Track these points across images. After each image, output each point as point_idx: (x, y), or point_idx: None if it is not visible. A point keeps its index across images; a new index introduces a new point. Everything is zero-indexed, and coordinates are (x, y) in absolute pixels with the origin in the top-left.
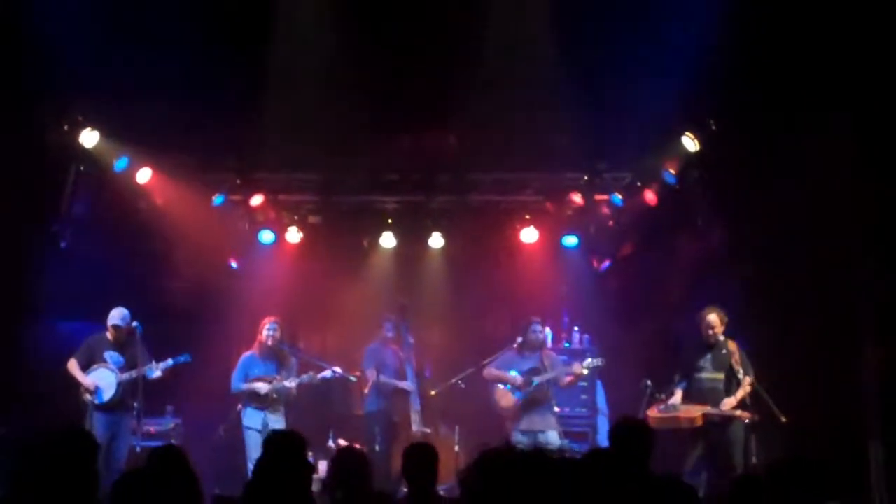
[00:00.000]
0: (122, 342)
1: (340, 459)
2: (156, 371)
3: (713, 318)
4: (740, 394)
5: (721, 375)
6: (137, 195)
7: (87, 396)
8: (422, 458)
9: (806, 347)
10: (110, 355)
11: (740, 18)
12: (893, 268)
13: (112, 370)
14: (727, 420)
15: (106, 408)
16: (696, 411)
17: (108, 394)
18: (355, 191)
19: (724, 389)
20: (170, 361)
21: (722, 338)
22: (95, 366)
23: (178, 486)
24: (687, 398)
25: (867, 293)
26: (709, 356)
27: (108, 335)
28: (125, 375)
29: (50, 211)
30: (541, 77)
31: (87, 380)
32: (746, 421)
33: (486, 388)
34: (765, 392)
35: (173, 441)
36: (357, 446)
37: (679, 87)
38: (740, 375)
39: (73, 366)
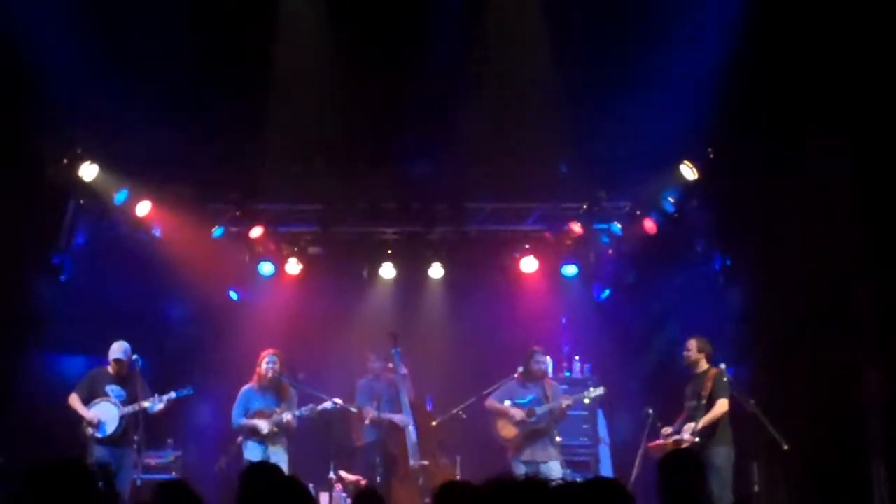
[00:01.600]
0: (124, 376)
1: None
2: (158, 404)
3: (690, 342)
4: (705, 419)
5: (694, 402)
6: (137, 228)
7: (90, 430)
8: None
9: (807, 371)
10: (112, 389)
11: (738, 49)
12: (892, 291)
13: (114, 404)
14: (707, 444)
15: (108, 441)
16: (672, 440)
17: (110, 427)
18: (355, 221)
19: (699, 415)
20: (173, 394)
21: (705, 365)
22: (97, 399)
23: None
24: (681, 427)
25: (867, 316)
26: (690, 383)
27: (110, 369)
28: (127, 409)
29: (50, 244)
30: (541, 106)
31: (89, 413)
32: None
33: (488, 419)
34: (766, 418)
35: (174, 474)
36: (363, 482)
37: (677, 116)
38: (703, 402)
39: (74, 400)
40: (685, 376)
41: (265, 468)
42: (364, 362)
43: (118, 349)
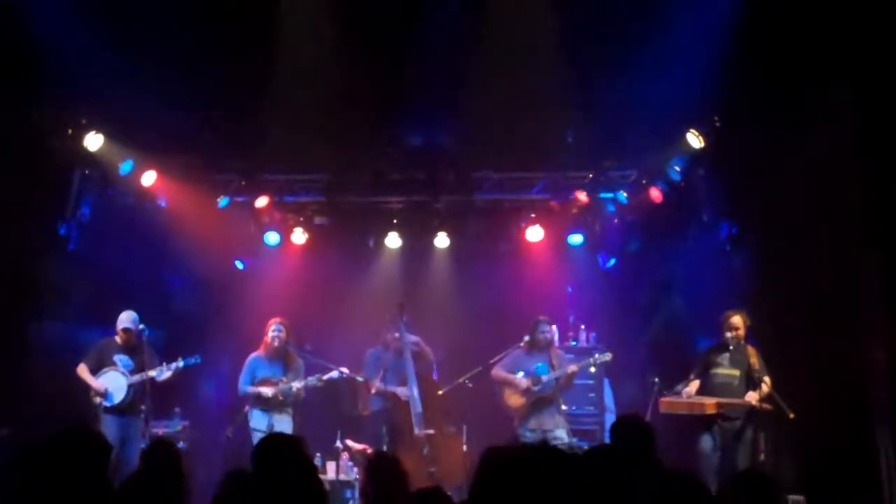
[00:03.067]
0: (132, 345)
1: (374, 467)
2: (166, 372)
3: (737, 319)
4: (763, 389)
5: (737, 372)
6: (143, 198)
7: (98, 399)
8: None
9: (812, 341)
10: (120, 358)
11: (743, 16)
12: None
13: (122, 373)
14: (742, 416)
15: (116, 410)
16: (709, 400)
17: (118, 396)
18: (360, 191)
19: (739, 387)
20: (180, 363)
21: (743, 340)
22: (105, 369)
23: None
24: (701, 392)
25: (873, 285)
26: (727, 354)
27: (118, 338)
28: (135, 378)
29: (56, 214)
30: (545, 75)
31: (97, 383)
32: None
33: (494, 388)
34: (773, 388)
35: (182, 443)
36: (358, 447)
37: (683, 84)
38: (756, 376)
39: (83, 370)
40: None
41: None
42: (376, 332)
43: (126, 318)
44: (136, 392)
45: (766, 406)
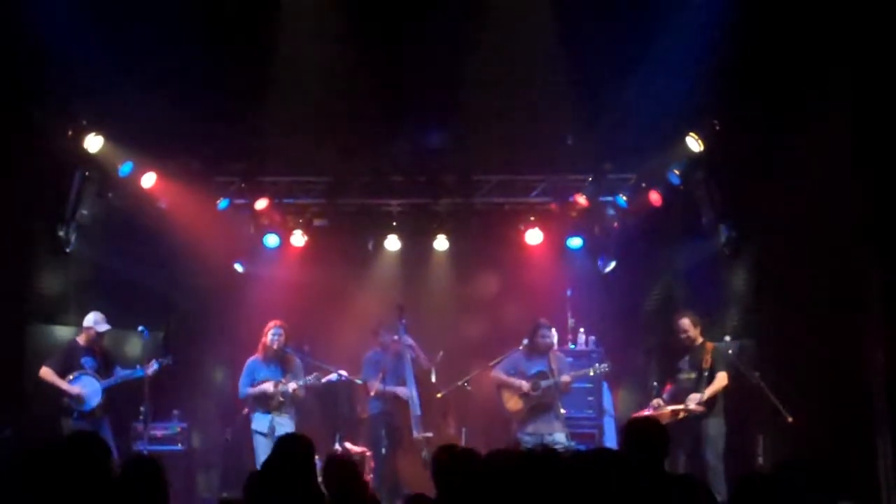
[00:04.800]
0: (94, 347)
1: (329, 470)
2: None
3: (685, 321)
4: (709, 390)
5: (693, 375)
6: (143, 200)
7: (72, 405)
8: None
9: (811, 344)
10: (86, 361)
11: (741, 19)
12: None
13: (94, 377)
14: (702, 415)
15: (87, 416)
16: (665, 410)
17: (94, 401)
18: (360, 194)
19: (699, 389)
20: (154, 365)
21: (700, 339)
22: (76, 373)
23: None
24: (673, 399)
25: (873, 289)
26: (687, 357)
27: (80, 339)
28: (110, 380)
29: (55, 215)
30: (545, 78)
31: (74, 389)
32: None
33: (493, 390)
34: (770, 391)
35: (180, 445)
36: (357, 450)
37: (682, 87)
38: (705, 374)
39: (48, 373)
40: (665, 353)
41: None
42: (372, 335)
43: (95, 319)
44: (108, 395)
45: (694, 408)
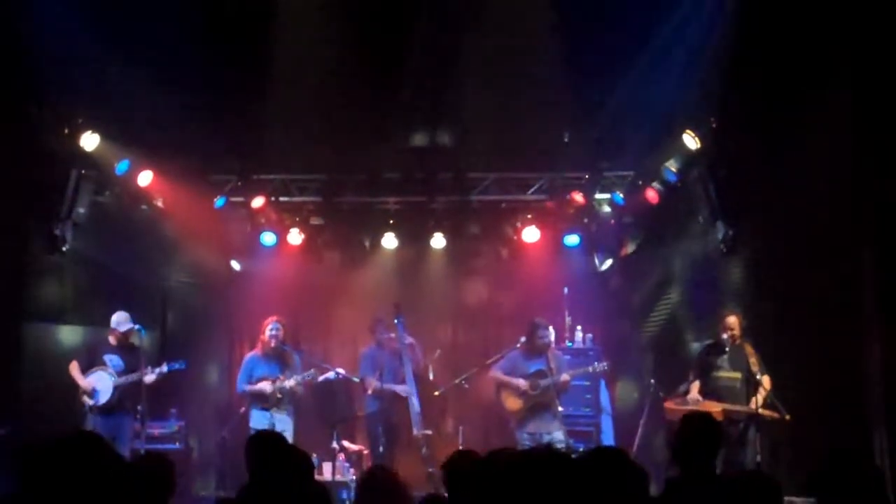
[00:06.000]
0: (124, 346)
1: (367, 484)
2: (150, 375)
3: (732, 319)
4: (763, 393)
5: (738, 375)
6: (139, 198)
7: (85, 398)
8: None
9: (809, 342)
10: (110, 358)
11: (739, 16)
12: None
13: (109, 373)
14: (747, 419)
15: (104, 410)
16: (715, 406)
17: (104, 396)
18: (356, 192)
19: (742, 389)
20: (164, 367)
21: (739, 340)
22: (95, 368)
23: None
24: (711, 397)
25: (870, 284)
26: (726, 356)
27: (111, 338)
28: (122, 379)
29: (51, 214)
30: (542, 76)
31: (84, 381)
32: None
33: (491, 389)
34: (771, 389)
35: (177, 444)
36: (355, 448)
37: (679, 85)
38: (758, 376)
39: (74, 367)
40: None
41: (270, 437)
42: (370, 332)
43: (119, 319)
44: (124, 393)
45: (766, 412)
